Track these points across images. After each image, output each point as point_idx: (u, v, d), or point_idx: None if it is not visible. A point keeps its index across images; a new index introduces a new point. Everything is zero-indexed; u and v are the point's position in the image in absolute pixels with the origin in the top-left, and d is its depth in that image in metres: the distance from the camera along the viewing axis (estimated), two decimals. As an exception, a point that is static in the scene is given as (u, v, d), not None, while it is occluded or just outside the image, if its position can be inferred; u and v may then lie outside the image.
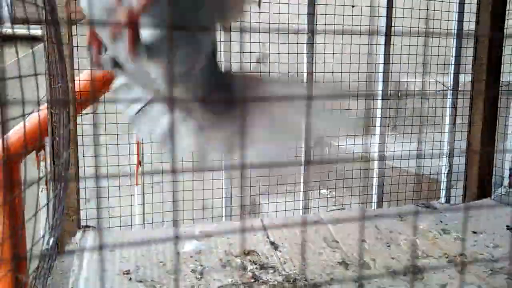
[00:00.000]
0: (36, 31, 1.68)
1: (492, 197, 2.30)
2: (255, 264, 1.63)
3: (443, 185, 2.37)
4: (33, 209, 1.01)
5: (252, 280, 1.52)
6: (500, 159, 2.44)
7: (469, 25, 2.21)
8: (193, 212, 1.98)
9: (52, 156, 1.58)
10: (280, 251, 1.73)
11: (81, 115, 1.75)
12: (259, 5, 1.86)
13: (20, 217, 1.35)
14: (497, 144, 2.31)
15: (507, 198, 2.40)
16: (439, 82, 2.13)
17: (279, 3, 2.01)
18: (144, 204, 1.99)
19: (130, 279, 1.43)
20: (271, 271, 1.59)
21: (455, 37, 2.20)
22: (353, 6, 2.03)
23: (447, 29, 2.24)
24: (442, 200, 2.39)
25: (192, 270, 1.55)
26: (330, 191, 2.87)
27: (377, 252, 1.73)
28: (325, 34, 2.13)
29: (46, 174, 1.62)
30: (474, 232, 1.87)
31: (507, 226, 1.89)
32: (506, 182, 2.52)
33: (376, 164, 2.29)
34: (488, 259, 1.66)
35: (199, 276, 1.52)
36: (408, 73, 2.31)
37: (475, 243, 1.78)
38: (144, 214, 1.97)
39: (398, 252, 1.74)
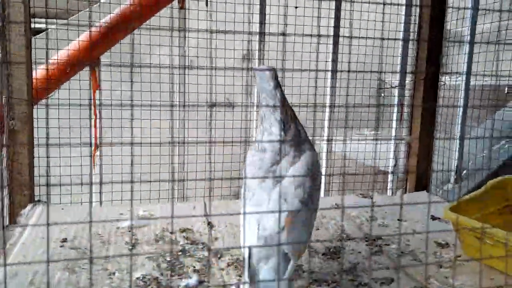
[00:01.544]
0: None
1: (437, 192, 2.42)
2: (188, 240, 1.77)
3: (389, 178, 2.50)
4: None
5: (180, 253, 1.67)
6: (447, 158, 2.56)
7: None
8: (140, 193, 2.14)
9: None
10: (215, 230, 1.87)
11: (38, 101, 1.91)
12: (207, 4, 2.01)
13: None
14: (445, 143, 2.43)
15: (452, 194, 2.52)
16: (382, 81, 2.26)
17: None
18: (101, 184, 2.15)
19: (63, 246, 1.59)
20: (201, 246, 1.73)
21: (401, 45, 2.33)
22: (296, 7, 2.17)
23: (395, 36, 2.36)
24: (389, 192, 2.52)
25: (126, 242, 1.71)
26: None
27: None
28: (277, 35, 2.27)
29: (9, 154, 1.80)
30: (399, 220, 1.99)
31: (431, 216, 2.01)
32: (452, 179, 2.64)
33: (324, 156, 2.43)
34: (402, 243, 1.78)
35: (130, 248, 1.67)
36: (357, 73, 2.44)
37: (396, 230, 1.91)
38: (100, 193, 2.13)
39: (324, 235, 1.88)
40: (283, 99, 1.40)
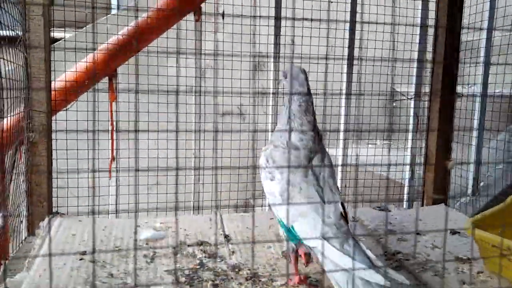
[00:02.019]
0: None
1: (454, 205, 2.39)
2: (205, 253, 1.76)
3: (405, 191, 2.48)
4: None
5: (198, 267, 1.66)
6: (465, 170, 2.53)
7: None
8: (157, 204, 2.13)
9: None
10: (232, 243, 1.86)
11: (56, 112, 1.93)
12: (223, 17, 2.02)
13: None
14: (462, 156, 2.40)
15: (470, 207, 2.49)
16: (398, 92, 2.25)
17: None
18: (117, 196, 2.16)
19: (82, 259, 1.58)
20: (219, 260, 1.72)
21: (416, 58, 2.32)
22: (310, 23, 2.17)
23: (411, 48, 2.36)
24: (405, 204, 2.49)
25: (144, 255, 1.70)
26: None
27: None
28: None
29: (28, 166, 1.81)
30: (418, 234, 1.97)
31: (450, 230, 1.98)
32: (469, 191, 2.61)
33: (339, 168, 2.41)
34: (423, 258, 1.76)
35: (149, 261, 1.66)
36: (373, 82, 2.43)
37: (417, 244, 1.89)
38: (117, 204, 2.14)
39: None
40: (312, 102, 1.57)
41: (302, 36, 2.28)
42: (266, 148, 1.63)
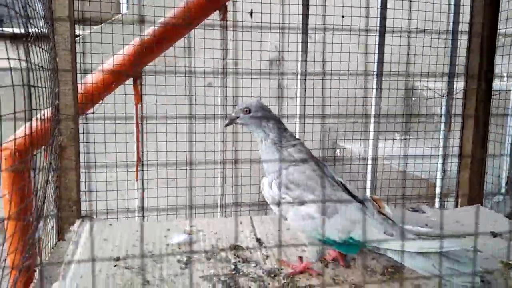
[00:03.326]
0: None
1: (487, 204, 2.31)
2: (239, 258, 1.72)
3: (437, 190, 2.41)
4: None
5: (233, 272, 1.61)
6: (498, 168, 2.45)
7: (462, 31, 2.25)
8: (186, 208, 2.09)
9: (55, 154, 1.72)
10: (265, 247, 1.81)
11: (84, 116, 1.89)
12: (251, 15, 1.97)
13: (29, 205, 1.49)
14: (494, 154, 2.33)
15: (503, 206, 2.41)
16: (431, 89, 2.17)
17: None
18: (143, 198, 2.12)
19: (116, 266, 1.54)
20: (253, 265, 1.68)
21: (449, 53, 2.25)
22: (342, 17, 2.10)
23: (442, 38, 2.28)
24: (437, 204, 2.42)
25: (178, 260, 1.66)
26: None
27: (358, 252, 1.79)
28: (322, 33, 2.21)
29: (56, 166, 1.77)
30: (457, 237, 1.90)
31: (491, 232, 1.91)
32: (503, 189, 2.53)
33: (369, 167, 2.35)
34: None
35: (183, 266, 1.62)
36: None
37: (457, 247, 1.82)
38: (143, 207, 2.10)
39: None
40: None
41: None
42: (270, 180, 1.61)
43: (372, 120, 2.30)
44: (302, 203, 1.55)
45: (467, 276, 1.33)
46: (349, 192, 1.61)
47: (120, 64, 1.91)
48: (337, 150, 3.41)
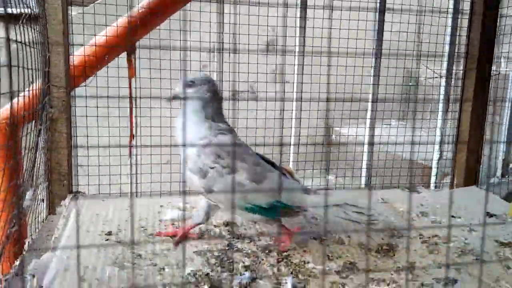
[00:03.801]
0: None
1: (482, 186, 2.31)
2: (233, 234, 1.70)
3: (433, 172, 2.39)
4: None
5: (227, 248, 1.59)
6: (494, 151, 2.44)
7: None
8: (180, 184, 2.06)
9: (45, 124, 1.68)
10: (259, 224, 1.79)
11: (75, 88, 1.84)
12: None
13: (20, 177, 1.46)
14: (489, 134, 2.31)
15: (498, 189, 2.41)
16: (430, 69, 2.14)
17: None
18: (136, 174, 2.08)
19: (108, 240, 1.52)
20: (247, 241, 1.66)
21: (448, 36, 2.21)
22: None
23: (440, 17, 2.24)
24: (432, 186, 2.41)
25: (172, 236, 1.63)
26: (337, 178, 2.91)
27: (353, 230, 1.78)
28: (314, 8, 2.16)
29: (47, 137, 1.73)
30: (453, 216, 1.89)
31: (487, 212, 1.91)
32: (499, 172, 2.52)
33: (366, 149, 2.33)
34: (461, 242, 1.69)
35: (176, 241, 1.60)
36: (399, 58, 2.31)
37: (452, 227, 1.81)
38: (136, 183, 2.06)
39: (374, 231, 1.78)
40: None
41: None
42: (197, 149, 1.51)
43: (370, 106, 2.27)
44: (232, 171, 1.51)
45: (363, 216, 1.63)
46: (266, 163, 1.63)
47: (113, 36, 1.86)
48: (333, 135, 3.39)
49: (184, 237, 1.61)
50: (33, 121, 1.72)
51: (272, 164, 1.66)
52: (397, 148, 2.56)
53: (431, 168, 2.49)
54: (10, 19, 1.31)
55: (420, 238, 1.73)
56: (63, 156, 1.76)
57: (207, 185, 1.50)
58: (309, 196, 1.62)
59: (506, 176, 2.44)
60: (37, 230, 1.55)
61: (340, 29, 2.21)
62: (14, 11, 1.36)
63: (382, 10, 2.19)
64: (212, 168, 1.50)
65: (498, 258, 1.55)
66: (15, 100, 1.71)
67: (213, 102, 1.57)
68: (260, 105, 2.19)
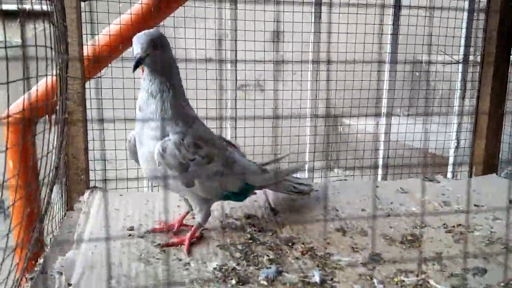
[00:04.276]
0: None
1: (500, 173, 2.28)
2: (254, 227, 1.67)
3: (450, 161, 2.36)
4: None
5: (250, 241, 1.57)
6: (510, 136, 2.40)
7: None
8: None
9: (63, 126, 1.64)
10: (280, 217, 1.76)
11: (89, 80, 1.80)
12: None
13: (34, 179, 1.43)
14: (505, 122, 2.27)
15: (515, 176, 2.38)
16: (447, 54, 2.10)
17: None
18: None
19: (131, 235, 1.49)
20: (270, 234, 1.63)
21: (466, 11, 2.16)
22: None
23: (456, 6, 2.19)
24: (449, 175, 2.38)
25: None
26: (344, 171, 2.88)
27: (376, 221, 1.76)
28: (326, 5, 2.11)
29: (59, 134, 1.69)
30: (476, 205, 1.87)
31: (510, 200, 1.88)
32: (516, 159, 2.49)
33: (382, 139, 2.30)
34: (486, 230, 1.66)
35: (199, 235, 1.57)
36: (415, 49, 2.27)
37: (475, 216, 1.79)
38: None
39: (396, 221, 1.76)
40: None
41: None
42: (176, 140, 1.35)
43: (385, 95, 2.23)
44: (210, 161, 1.43)
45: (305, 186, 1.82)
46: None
47: (127, 24, 1.81)
48: (340, 127, 3.34)
49: (191, 242, 1.49)
50: (53, 115, 1.69)
51: (223, 140, 1.64)
52: (409, 138, 2.53)
53: (443, 157, 2.46)
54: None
55: (444, 227, 1.70)
56: (80, 150, 1.73)
57: (188, 179, 1.39)
58: (263, 174, 1.66)
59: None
60: (57, 227, 1.52)
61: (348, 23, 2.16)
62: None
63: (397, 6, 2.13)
64: (192, 160, 1.38)
65: (526, 247, 1.53)
66: (27, 95, 1.68)
67: (177, 72, 1.37)
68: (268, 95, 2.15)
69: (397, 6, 2.13)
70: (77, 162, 1.72)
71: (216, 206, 1.79)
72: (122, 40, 1.79)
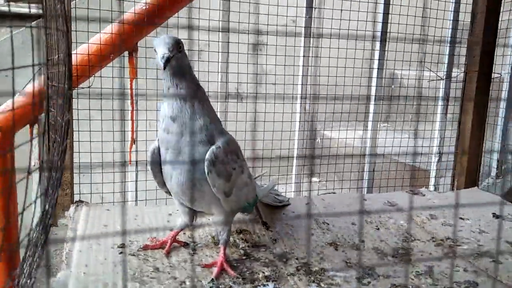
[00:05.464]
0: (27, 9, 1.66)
1: (480, 186, 2.35)
2: (247, 242, 1.65)
3: (432, 174, 2.42)
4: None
5: (244, 257, 1.54)
6: (489, 151, 2.49)
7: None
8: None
9: (48, 138, 1.56)
10: (271, 231, 1.75)
11: (77, 89, 1.73)
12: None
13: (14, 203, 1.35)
14: (486, 137, 2.35)
15: (493, 189, 2.47)
16: (433, 71, 2.16)
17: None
18: (136, 181, 2.00)
19: (122, 253, 1.43)
20: (263, 249, 1.61)
21: (448, 39, 2.24)
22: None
23: (441, 34, 2.26)
24: (431, 188, 2.44)
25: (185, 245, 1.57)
26: (320, 180, 2.90)
27: (366, 234, 1.77)
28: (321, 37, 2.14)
29: (41, 151, 1.61)
30: (461, 218, 1.91)
31: (493, 213, 1.94)
32: (494, 172, 2.58)
33: (367, 153, 2.32)
34: (474, 244, 1.70)
35: (191, 252, 1.53)
36: (402, 65, 2.32)
37: (462, 229, 1.83)
38: (136, 191, 1.98)
39: (386, 235, 1.78)
40: None
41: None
42: (224, 151, 1.32)
43: (371, 109, 2.27)
44: (243, 170, 1.43)
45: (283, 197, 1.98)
46: None
47: (120, 33, 1.76)
48: (318, 139, 3.37)
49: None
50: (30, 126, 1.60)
51: None
52: (395, 151, 2.57)
53: (425, 170, 2.52)
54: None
55: (433, 241, 1.73)
56: (66, 164, 1.65)
57: (230, 188, 1.37)
58: (262, 186, 1.81)
59: (501, 177, 2.51)
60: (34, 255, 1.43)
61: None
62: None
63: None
64: (234, 169, 1.37)
65: (513, 260, 1.58)
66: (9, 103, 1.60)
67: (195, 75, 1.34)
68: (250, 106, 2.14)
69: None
70: (63, 176, 1.64)
71: (207, 220, 1.76)
72: (114, 49, 1.73)
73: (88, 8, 1.68)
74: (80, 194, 1.75)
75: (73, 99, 1.71)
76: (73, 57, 1.65)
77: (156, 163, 1.37)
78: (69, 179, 1.66)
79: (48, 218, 1.11)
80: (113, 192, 1.82)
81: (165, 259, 1.46)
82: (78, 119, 1.70)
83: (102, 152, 1.71)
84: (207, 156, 1.29)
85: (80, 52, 1.69)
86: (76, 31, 1.65)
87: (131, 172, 2.01)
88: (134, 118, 1.99)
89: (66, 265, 1.29)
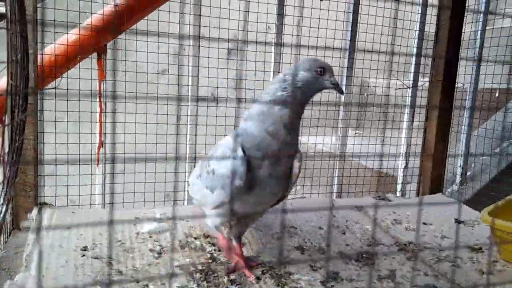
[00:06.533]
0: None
1: (445, 193, 2.42)
2: (214, 246, 1.65)
3: (399, 180, 2.48)
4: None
5: (210, 261, 1.54)
6: (453, 159, 2.57)
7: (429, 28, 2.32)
8: (154, 195, 1.98)
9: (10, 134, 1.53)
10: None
11: (43, 90, 1.70)
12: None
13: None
14: (450, 145, 2.43)
15: (456, 195, 2.54)
16: (399, 80, 2.22)
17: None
18: (104, 184, 1.97)
19: (84, 256, 1.41)
20: (230, 253, 1.61)
21: (415, 49, 2.31)
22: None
23: (408, 43, 2.33)
24: (398, 194, 2.49)
25: (151, 249, 1.55)
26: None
27: (332, 238, 1.79)
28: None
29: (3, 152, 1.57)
30: (424, 224, 1.97)
31: (455, 219, 2.00)
32: (458, 179, 2.66)
33: (337, 160, 2.36)
34: (435, 248, 1.75)
35: (157, 255, 1.52)
36: (370, 72, 2.38)
37: (425, 234, 1.88)
38: (104, 194, 1.95)
39: (352, 239, 1.81)
40: None
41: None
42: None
43: (340, 115, 2.31)
44: None
45: None
46: None
47: (89, 34, 1.74)
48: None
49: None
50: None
51: None
52: (361, 157, 2.62)
53: (392, 176, 2.58)
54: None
55: (396, 245, 1.78)
56: (29, 163, 1.62)
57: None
58: None
59: (465, 184, 2.59)
60: (1, 247, 1.40)
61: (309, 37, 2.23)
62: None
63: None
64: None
65: (472, 264, 1.63)
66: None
67: None
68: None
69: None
70: (25, 177, 1.61)
71: (180, 226, 1.75)
72: (81, 50, 1.72)
73: (55, 9, 1.66)
74: (44, 196, 1.72)
75: (40, 100, 1.68)
76: (39, 57, 1.62)
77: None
78: (33, 181, 1.62)
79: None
80: (79, 195, 1.79)
81: (129, 262, 1.44)
82: (43, 120, 1.67)
83: (67, 154, 1.68)
84: (295, 164, 1.43)
85: (46, 52, 1.67)
86: (43, 31, 1.62)
87: (99, 174, 1.98)
88: (102, 120, 1.97)
89: (25, 267, 1.26)
